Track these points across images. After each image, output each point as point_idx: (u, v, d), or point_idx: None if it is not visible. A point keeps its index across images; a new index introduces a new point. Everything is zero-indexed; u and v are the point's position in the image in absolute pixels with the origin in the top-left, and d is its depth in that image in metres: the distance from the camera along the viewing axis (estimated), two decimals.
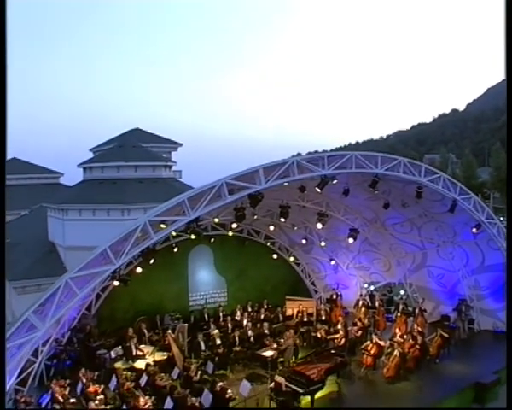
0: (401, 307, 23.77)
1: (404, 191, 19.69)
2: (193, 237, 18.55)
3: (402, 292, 26.49)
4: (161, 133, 43.92)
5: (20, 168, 46.49)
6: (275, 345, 20.34)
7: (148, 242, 13.14)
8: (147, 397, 15.36)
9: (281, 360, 19.83)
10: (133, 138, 36.68)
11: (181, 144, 43.88)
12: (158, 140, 42.33)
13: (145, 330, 22.18)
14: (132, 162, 30.78)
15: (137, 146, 33.71)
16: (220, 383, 16.11)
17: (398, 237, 23.92)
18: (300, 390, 16.55)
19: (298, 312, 25.26)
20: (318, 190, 16.44)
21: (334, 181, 16.92)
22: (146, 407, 14.73)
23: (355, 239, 21.48)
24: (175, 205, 13.60)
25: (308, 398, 16.60)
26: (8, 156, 46.96)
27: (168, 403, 14.49)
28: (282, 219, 18.72)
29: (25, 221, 37.62)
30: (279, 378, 16.63)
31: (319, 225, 20.09)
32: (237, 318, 24.33)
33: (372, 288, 26.96)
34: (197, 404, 15.02)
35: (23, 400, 15.73)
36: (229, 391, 15.82)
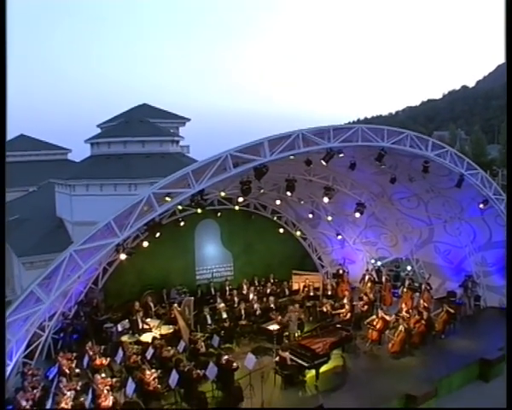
0: (407, 282, 23.78)
1: (411, 166, 19.53)
2: (199, 211, 18.57)
3: (409, 268, 26.40)
4: (169, 109, 43.82)
5: (28, 145, 46.63)
6: (280, 318, 20.42)
7: (153, 214, 13.13)
8: (153, 370, 15.47)
9: (286, 333, 19.90)
10: (140, 114, 36.66)
11: (189, 119, 43.74)
12: (165, 115, 42.20)
13: (151, 304, 22.28)
14: (139, 137, 30.88)
15: (144, 121, 33.72)
16: (226, 356, 16.18)
17: (405, 213, 23.82)
18: (305, 364, 16.63)
19: (304, 286, 25.23)
20: (324, 163, 16.31)
21: (341, 155, 16.78)
22: (152, 379, 14.81)
23: (362, 214, 21.39)
24: (180, 178, 13.56)
25: (313, 372, 16.65)
26: (16, 133, 47.25)
27: (174, 376, 14.50)
28: (289, 193, 18.63)
29: (33, 198, 37.86)
30: (284, 353, 16.69)
31: (326, 200, 19.99)
32: (244, 292, 24.38)
33: (379, 263, 26.95)
34: (202, 376, 15.12)
35: (30, 372, 15.88)
36: (234, 364, 15.87)
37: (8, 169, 36.55)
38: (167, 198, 14.03)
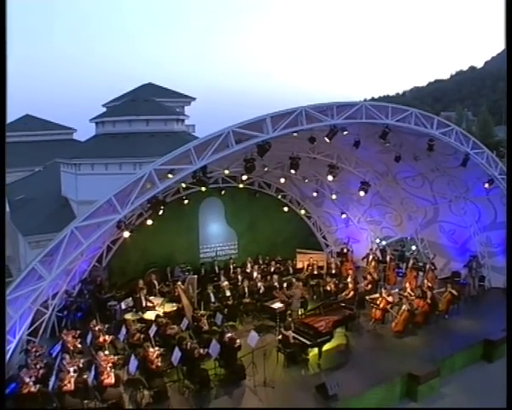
0: (411, 261, 23.72)
1: (416, 144, 19.33)
2: (203, 189, 18.57)
3: (413, 247, 26.32)
4: (174, 88, 43.71)
5: (34, 125, 46.76)
6: (283, 297, 20.44)
7: (154, 191, 13.06)
8: (156, 348, 15.48)
9: (289, 312, 19.92)
10: (146, 93, 36.62)
11: (194, 99, 43.67)
12: (171, 95, 42.21)
13: (155, 282, 22.41)
14: (144, 116, 30.83)
15: (149, 100, 33.70)
16: (229, 334, 16.17)
17: (410, 192, 23.72)
18: (308, 342, 16.67)
19: (308, 265, 25.30)
20: (327, 140, 16.17)
21: (345, 132, 16.66)
22: (154, 356, 14.84)
23: (366, 192, 21.27)
24: (182, 154, 13.49)
25: (316, 350, 16.69)
26: (21, 114, 47.31)
27: (176, 353, 14.51)
28: (293, 171, 18.51)
29: (38, 177, 37.98)
30: (287, 332, 16.71)
31: (330, 178, 19.86)
32: (247, 270, 24.40)
33: (384, 243, 26.90)
34: (205, 354, 15.15)
35: (34, 350, 15.88)
36: (237, 341, 15.88)
37: (13, 149, 36.63)
38: (170, 175, 13.97)
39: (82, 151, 30.70)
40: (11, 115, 47.37)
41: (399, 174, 22.85)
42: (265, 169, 22.33)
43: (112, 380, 13.88)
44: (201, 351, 15.16)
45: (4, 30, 11.08)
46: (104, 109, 38.07)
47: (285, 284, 22.01)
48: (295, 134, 15.62)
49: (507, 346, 14.20)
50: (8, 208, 33.04)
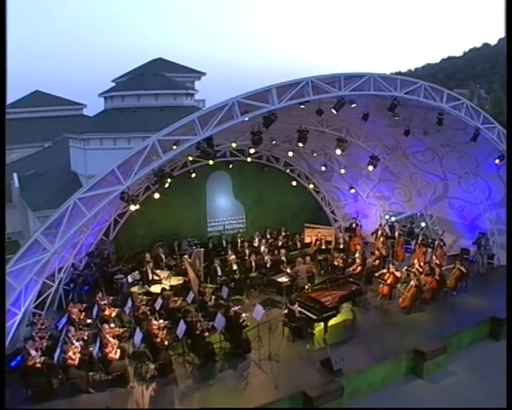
0: (420, 237, 23.51)
1: (425, 119, 18.97)
2: (211, 162, 18.41)
3: (423, 224, 26.14)
4: (184, 63, 43.45)
5: (43, 100, 46.77)
6: (289, 271, 20.38)
7: (158, 162, 12.91)
8: (160, 321, 15.47)
9: (295, 287, 19.83)
10: (156, 68, 36.46)
11: (204, 74, 43.40)
12: (180, 70, 42.00)
13: (162, 256, 22.46)
14: (153, 91, 30.64)
15: (158, 75, 33.45)
16: (234, 308, 16.12)
17: (420, 167, 23.42)
18: (314, 317, 16.61)
19: (316, 240, 25.22)
20: (335, 111, 15.83)
21: (353, 105, 16.39)
22: (159, 329, 14.81)
23: (375, 167, 21.08)
24: (186, 125, 13.31)
25: (322, 325, 16.62)
26: (32, 89, 47.48)
27: (181, 326, 14.50)
28: (300, 145, 18.36)
29: (48, 153, 38.20)
30: (293, 306, 16.66)
31: (338, 151, 19.66)
32: (255, 244, 24.41)
33: (393, 219, 26.70)
34: (210, 327, 15.14)
35: (40, 322, 15.95)
36: (242, 315, 15.80)
37: (23, 125, 36.92)
38: (174, 147, 13.83)
39: (91, 126, 30.71)
40: (21, 91, 47.70)
41: (409, 149, 22.55)
42: (273, 142, 22.18)
43: (116, 354, 13.87)
44: (206, 324, 15.14)
45: (4, 29, 11.14)
46: (113, 85, 37.92)
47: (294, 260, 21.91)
48: (302, 106, 15.37)
49: (507, 347, 13.98)
50: (17, 184, 33.20)
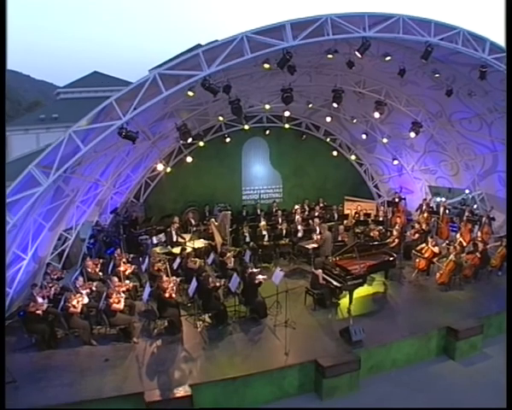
0: (467, 214, 22.02)
1: (470, 78, 17.17)
2: (246, 127, 17.43)
3: (475, 206, 24.39)
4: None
5: (101, 81, 47.83)
6: (318, 238, 19.40)
7: (159, 96, 12.06)
8: (172, 277, 14.94)
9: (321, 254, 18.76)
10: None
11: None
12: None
13: (192, 220, 21.93)
14: None
15: None
16: (251, 270, 15.37)
17: (467, 136, 21.60)
18: (338, 284, 15.52)
19: (355, 212, 24.09)
20: (358, 54, 14.03)
21: (388, 58, 15.10)
22: (168, 285, 14.18)
23: (417, 134, 19.78)
24: (190, 59, 12.36)
25: (347, 295, 15.50)
26: (90, 70, 49.15)
27: (193, 284, 14.00)
28: (335, 105, 17.32)
29: None
30: (317, 271, 15.76)
31: (376, 115, 18.57)
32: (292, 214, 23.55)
33: (443, 199, 25.13)
34: (221, 285, 14.94)
35: (54, 273, 15.81)
36: (258, 276, 15.02)
37: (82, 104, 37.92)
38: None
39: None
40: (81, 72, 48.69)
41: (454, 115, 20.82)
42: (310, 106, 21.11)
43: (121, 305, 13.38)
44: (217, 282, 14.69)
45: (4, 29, 10.79)
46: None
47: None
48: (330, 55, 14.22)
49: (507, 347, 12.56)
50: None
